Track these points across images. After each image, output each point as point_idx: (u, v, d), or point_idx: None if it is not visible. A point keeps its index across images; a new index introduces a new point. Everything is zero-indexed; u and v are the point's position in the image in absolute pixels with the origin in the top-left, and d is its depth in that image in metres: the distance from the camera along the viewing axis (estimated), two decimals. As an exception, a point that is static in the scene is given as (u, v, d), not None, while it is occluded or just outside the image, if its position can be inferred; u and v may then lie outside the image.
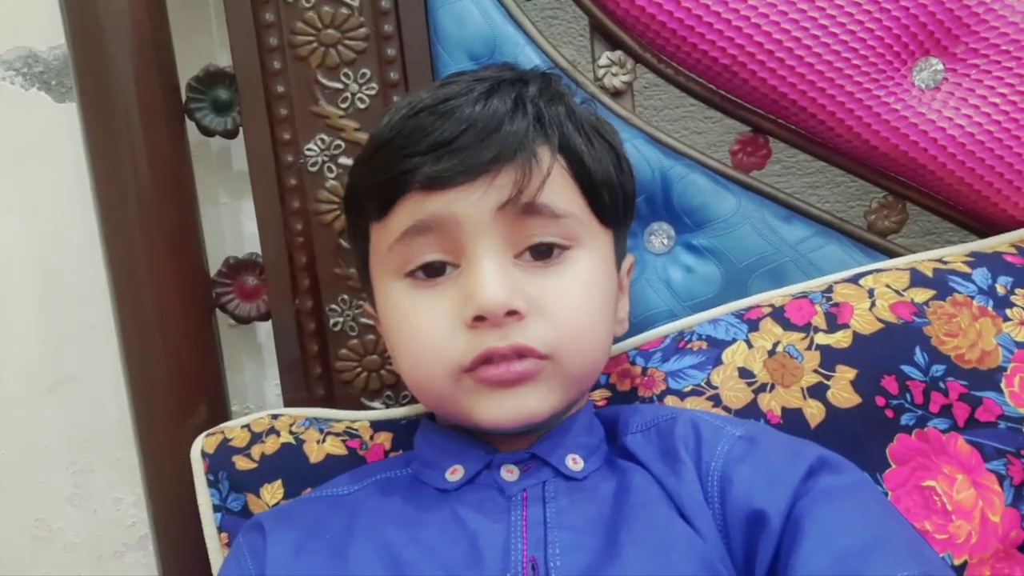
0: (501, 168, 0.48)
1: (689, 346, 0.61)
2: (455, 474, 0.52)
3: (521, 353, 0.48)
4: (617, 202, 0.54)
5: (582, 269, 0.51)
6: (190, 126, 0.68)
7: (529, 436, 0.52)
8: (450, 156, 0.48)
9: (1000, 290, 0.60)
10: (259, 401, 0.77)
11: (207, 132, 0.68)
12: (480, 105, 0.49)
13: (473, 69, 0.58)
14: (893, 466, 0.57)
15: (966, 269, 0.62)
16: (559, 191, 0.50)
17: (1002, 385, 0.57)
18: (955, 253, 0.64)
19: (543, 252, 0.50)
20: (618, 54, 0.68)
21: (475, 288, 0.47)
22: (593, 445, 0.53)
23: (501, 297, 0.47)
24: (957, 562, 0.54)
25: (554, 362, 0.49)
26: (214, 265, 0.69)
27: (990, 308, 0.59)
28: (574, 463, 0.51)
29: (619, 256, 0.56)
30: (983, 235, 0.67)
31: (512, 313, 0.47)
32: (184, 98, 0.67)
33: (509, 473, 0.51)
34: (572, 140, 0.51)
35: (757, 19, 0.62)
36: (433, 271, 0.50)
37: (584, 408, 0.55)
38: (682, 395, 0.59)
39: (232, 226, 0.75)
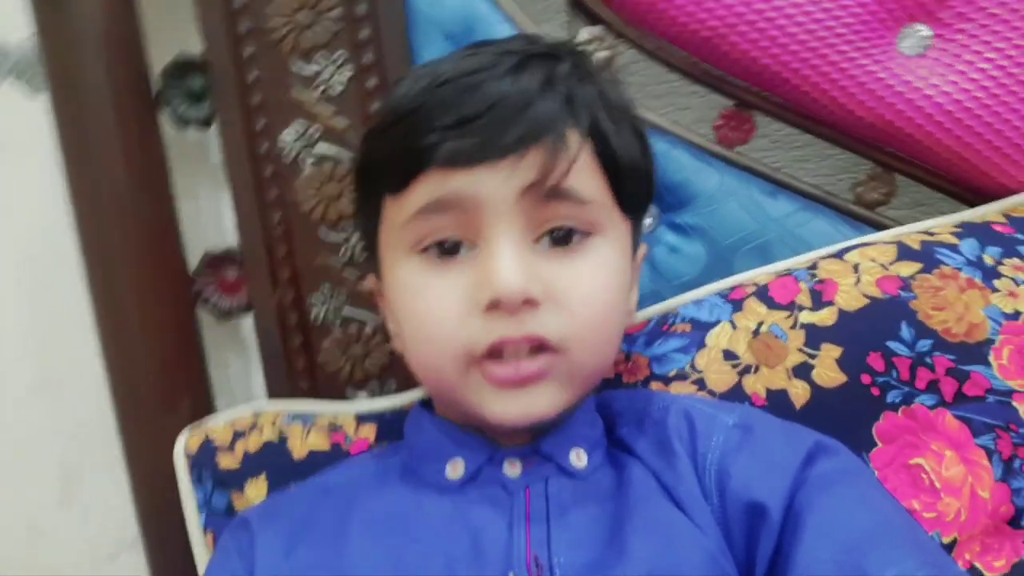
0: (528, 149, 0.46)
1: (673, 329, 0.60)
2: (456, 469, 0.50)
3: (534, 342, 0.46)
4: (640, 190, 0.52)
5: (600, 258, 0.49)
6: (165, 119, 0.67)
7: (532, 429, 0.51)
8: (475, 133, 0.45)
9: (988, 261, 0.59)
10: (246, 397, 0.76)
11: (181, 122, 0.67)
12: (508, 81, 0.46)
13: (497, 40, 0.54)
14: (880, 445, 0.56)
15: (954, 240, 0.60)
16: (585, 177, 0.48)
17: (990, 358, 0.56)
18: (943, 224, 0.62)
19: (561, 239, 0.48)
20: (599, 29, 0.66)
21: (493, 273, 0.46)
22: (595, 438, 0.52)
23: (519, 284, 0.45)
24: (946, 540, 0.54)
25: (565, 357, 0.47)
26: (195, 260, 0.68)
27: (978, 280, 0.58)
28: (577, 458, 0.50)
29: (635, 245, 0.54)
30: (973, 204, 0.65)
31: (528, 301, 0.46)
32: (156, 88, 0.66)
33: (512, 467, 0.50)
34: (602, 124, 0.49)
35: (736, -11, 0.61)
36: (447, 250, 0.48)
37: (586, 401, 0.53)
38: (667, 380, 0.59)
39: (213, 219, 0.74)
